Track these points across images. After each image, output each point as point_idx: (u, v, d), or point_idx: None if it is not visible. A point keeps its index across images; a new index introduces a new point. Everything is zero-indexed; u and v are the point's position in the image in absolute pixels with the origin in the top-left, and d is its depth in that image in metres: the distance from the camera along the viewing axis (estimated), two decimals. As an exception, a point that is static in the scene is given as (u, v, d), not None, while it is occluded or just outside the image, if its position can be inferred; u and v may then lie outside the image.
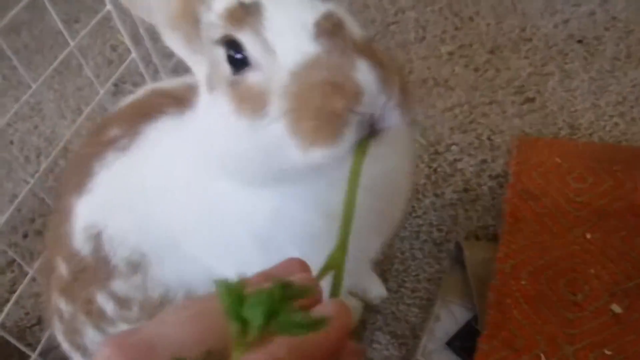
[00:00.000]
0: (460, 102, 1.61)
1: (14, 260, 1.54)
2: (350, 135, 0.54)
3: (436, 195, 1.42)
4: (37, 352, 1.12)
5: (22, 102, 0.99)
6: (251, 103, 0.59)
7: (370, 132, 0.55)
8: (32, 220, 1.59)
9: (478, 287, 1.18)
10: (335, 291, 0.48)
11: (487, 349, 1.08)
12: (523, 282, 1.16)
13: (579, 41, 1.68)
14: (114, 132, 0.86)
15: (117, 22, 1.12)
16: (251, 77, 0.59)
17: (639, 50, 1.62)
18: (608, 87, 1.55)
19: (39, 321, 1.39)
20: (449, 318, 1.18)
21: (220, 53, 0.61)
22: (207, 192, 0.75)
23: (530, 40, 1.73)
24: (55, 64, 1.03)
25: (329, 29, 0.55)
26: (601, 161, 1.36)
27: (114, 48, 2.03)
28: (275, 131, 0.57)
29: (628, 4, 1.75)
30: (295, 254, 0.49)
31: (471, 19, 1.84)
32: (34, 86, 0.99)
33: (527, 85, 1.61)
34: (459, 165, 1.46)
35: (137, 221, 0.82)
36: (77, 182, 0.86)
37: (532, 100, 1.57)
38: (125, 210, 0.83)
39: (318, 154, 0.56)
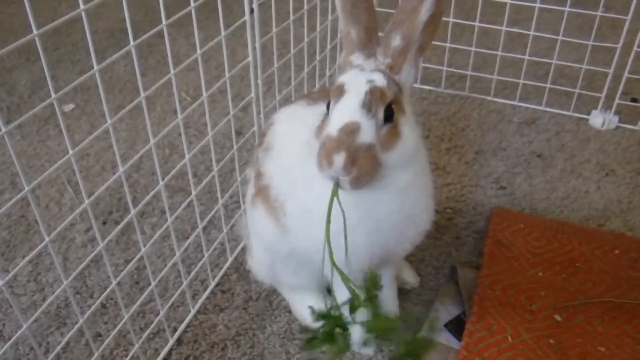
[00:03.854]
0: (453, 182, 2.22)
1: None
2: (326, 175, 1.06)
3: (435, 238, 1.96)
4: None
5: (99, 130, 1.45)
6: (320, 130, 1.14)
7: (337, 182, 1.07)
8: (110, 212, 2.03)
9: (466, 293, 1.70)
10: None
11: (472, 329, 1.58)
12: (497, 293, 1.68)
13: (539, 155, 2.36)
14: None
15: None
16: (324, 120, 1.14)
17: (580, 168, 2.29)
18: (557, 188, 2.20)
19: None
20: (445, 311, 1.68)
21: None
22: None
23: (505, 150, 2.39)
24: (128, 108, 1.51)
25: (347, 129, 1.04)
26: (550, 230, 1.95)
27: (180, 101, 2.60)
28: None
29: (573, 136, 2.46)
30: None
31: (463, 129, 2.51)
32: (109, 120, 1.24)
33: (502, 178, 2.24)
34: (453, 222, 2.03)
35: None
36: None
37: (504, 188, 2.20)
38: None
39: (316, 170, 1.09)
